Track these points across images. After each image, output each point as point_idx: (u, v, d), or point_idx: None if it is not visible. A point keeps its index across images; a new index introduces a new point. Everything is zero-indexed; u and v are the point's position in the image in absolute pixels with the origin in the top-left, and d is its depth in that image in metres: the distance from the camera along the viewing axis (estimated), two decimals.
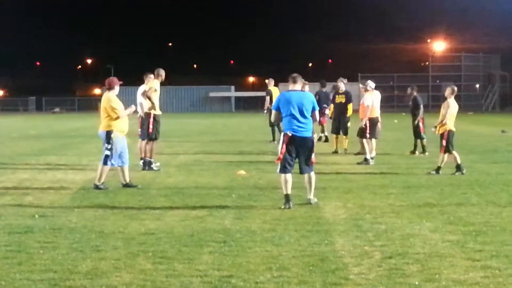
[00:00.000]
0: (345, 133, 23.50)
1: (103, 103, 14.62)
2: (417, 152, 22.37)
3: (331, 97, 25.44)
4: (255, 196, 13.45)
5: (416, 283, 7.44)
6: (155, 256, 8.60)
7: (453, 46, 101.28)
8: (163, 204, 12.51)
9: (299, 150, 12.32)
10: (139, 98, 18.63)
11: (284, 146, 12.25)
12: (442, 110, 16.98)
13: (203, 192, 14.04)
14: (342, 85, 23.73)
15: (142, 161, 18.19)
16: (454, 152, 16.92)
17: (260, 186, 15.00)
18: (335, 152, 23.18)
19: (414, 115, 22.72)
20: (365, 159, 19.60)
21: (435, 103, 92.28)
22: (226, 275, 7.74)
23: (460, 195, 13.57)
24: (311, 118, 12.43)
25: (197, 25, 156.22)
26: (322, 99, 25.88)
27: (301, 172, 12.52)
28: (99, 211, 11.79)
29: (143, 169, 17.83)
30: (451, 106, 16.87)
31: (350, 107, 23.58)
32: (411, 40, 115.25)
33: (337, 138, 23.59)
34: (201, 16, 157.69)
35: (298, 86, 12.62)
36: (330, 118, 24.78)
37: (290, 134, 12.24)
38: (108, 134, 14.44)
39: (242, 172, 17.23)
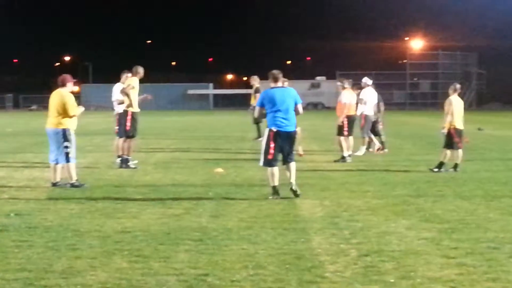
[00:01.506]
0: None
1: (56, 100, 14.41)
2: (386, 149, 22.64)
3: None
4: (232, 194, 13.44)
5: (392, 280, 7.47)
6: (131, 254, 8.58)
7: (431, 44, 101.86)
8: (140, 202, 12.47)
9: (283, 144, 12.94)
10: (115, 95, 18.63)
11: (271, 141, 12.85)
12: (445, 108, 17.22)
13: (180, 190, 14.03)
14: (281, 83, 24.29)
15: (119, 159, 18.14)
16: (448, 150, 17.08)
17: (237, 183, 15.01)
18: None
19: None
20: (342, 157, 19.65)
21: (413, 101, 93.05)
22: (202, 273, 7.73)
23: (436, 193, 13.65)
24: (294, 112, 12.99)
25: (176, 22, 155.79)
26: None
27: (284, 163, 13.11)
28: (75, 209, 11.74)
29: (120, 166, 17.78)
30: (453, 103, 17.05)
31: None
32: (389, 38, 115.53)
33: None
34: (180, 13, 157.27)
35: (279, 83, 13.17)
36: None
37: (275, 130, 12.83)
38: (65, 132, 14.34)
39: (220, 169, 17.22)
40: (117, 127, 18.46)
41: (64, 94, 14.49)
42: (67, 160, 14.35)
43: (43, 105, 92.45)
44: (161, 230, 10.01)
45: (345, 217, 11.10)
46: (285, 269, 7.90)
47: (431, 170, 17.04)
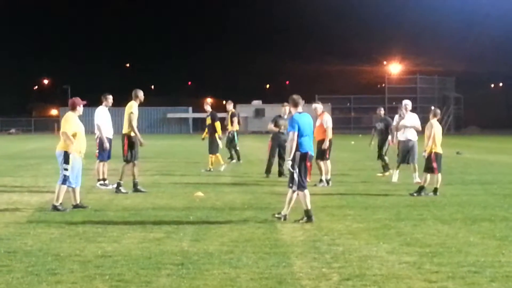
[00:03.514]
0: (211, 152, 24.83)
1: (62, 121, 14.66)
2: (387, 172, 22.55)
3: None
4: (213, 218, 13.42)
5: None
6: (112, 279, 8.52)
7: (409, 69, 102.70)
8: (121, 226, 12.41)
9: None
10: (97, 119, 18.62)
11: (308, 164, 13.04)
12: (426, 132, 17.29)
13: (160, 214, 13.98)
14: (208, 107, 25.46)
15: (99, 182, 18.14)
16: (428, 175, 17.18)
17: (217, 207, 14.99)
18: (208, 170, 24.44)
19: (383, 136, 22.89)
20: (320, 180, 19.63)
21: None
22: None
23: (416, 216, 13.68)
24: None
25: (155, 46, 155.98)
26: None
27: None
28: (55, 234, 11.66)
29: (114, 189, 17.63)
30: (435, 127, 17.16)
31: (217, 126, 24.94)
32: (368, 62, 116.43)
33: (211, 157, 24.89)
34: (159, 36, 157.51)
35: (300, 108, 13.23)
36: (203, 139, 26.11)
37: (309, 154, 13.04)
38: (66, 154, 14.38)
39: (200, 193, 17.18)
40: (97, 151, 18.48)
41: (67, 116, 14.70)
42: (63, 182, 14.39)
43: (22, 128, 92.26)
44: (142, 255, 9.96)
45: (326, 241, 11.10)
46: None
47: (411, 194, 17.11)
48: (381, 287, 8.20)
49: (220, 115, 27.56)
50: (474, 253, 10.12)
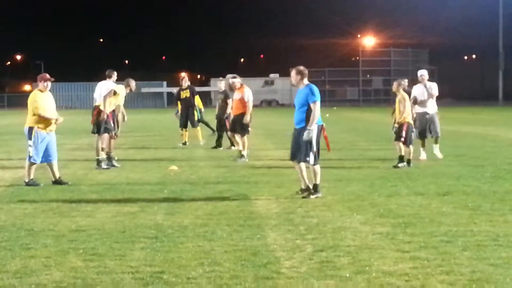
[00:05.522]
0: (194, 126, 24.77)
1: (29, 99, 14.53)
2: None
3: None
4: (187, 192, 13.42)
5: (347, 275, 7.51)
6: (86, 253, 8.51)
7: (383, 42, 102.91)
8: (94, 201, 12.39)
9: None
10: (102, 92, 18.63)
11: (326, 137, 12.94)
12: (400, 105, 17.19)
13: (135, 188, 13.96)
14: (186, 80, 25.04)
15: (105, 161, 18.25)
16: (400, 143, 17.11)
17: (192, 181, 14.99)
18: (184, 144, 24.38)
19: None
20: (242, 156, 19.19)
21: (366, 98, 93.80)
22: (158, 271, 7.70)
23: (390, 188, 13.75)
24: None
25: (129, 20, 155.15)
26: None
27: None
28: (29, 209, 11.61)
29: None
30: (407, 100, 17.15)
31: (197, 99, 25.14)
32: (342, 36, 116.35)
33: (186, 131, 24.77)
34: (132, 11, 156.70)
35: (306, 80, 12.87)
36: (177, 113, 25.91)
37: (323, 125, 12.87)
38: (30, 130, 14.33)
39: (174, 167, 17.18)
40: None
41: (33, 94, 14.59)
42: (29, 158, 14.32)
43: None
44: (116, 228, 9.95)
45: (300, 213, 11.14)
46: (241, 266, 7.90)
47: (395, 166, 16.97)
48: (355, 257, 8.24)
49: (196, 89, 27.19)
50: (446, 223, 10.20)
